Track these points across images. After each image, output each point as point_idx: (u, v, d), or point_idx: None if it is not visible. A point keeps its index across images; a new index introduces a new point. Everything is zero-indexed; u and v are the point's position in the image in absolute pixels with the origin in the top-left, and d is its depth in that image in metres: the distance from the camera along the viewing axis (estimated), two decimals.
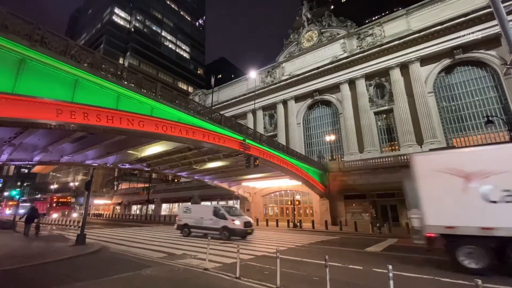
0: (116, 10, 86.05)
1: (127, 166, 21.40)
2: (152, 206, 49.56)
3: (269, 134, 41.89)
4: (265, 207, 35.42)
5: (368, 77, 34.60)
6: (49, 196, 51.74)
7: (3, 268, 8.00)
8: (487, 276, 7.33)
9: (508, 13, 21.05)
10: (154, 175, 56.06)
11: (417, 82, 30.17)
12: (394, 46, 32.19)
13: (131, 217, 50.16)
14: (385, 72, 33.26)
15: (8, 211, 51.79)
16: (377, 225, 21.32)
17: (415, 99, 29.87)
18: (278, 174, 24.81)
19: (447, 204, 8.56)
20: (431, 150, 12.90)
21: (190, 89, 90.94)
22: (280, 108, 42.43)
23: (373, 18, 64.49)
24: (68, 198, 47.72)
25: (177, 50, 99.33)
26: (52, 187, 68.69)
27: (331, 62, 37.04)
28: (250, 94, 44.81)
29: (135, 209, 55.65)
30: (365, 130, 32.59)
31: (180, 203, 45.50)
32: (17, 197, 35.03)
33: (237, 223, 15.86)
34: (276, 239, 17.04)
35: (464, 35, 27.83)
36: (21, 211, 39.98)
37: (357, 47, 36.22)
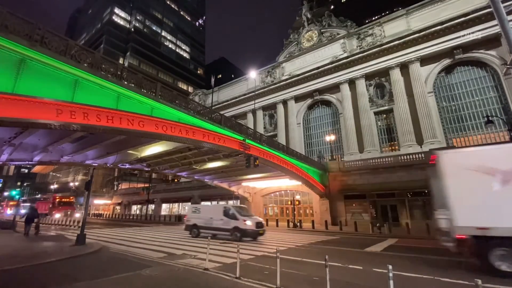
0: (116, 10, 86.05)
1: (127, 166, 21.41)
2: (152, 206, 49.57)
3: (269, 134, 41.90)
4: (265, 207, 35.42)
5: (368, 77, 34.60)
6: (50, 196, 51.70)
7: (3, 268, 7.99)
8: None
9: (508, 13, 21.03)
10: (154, 175, 56.08)
11: (417, 82, 30.17)
12: (394, 46, 32.20)
13: (131, 217, 50.15)
14: (385, 72, 33.26)
15: (9, 211, 51.74)
16: (377, 225, 21.32)
17: (415, 99, 29.87)
18: (278, 174, 24.81)
19: (479, 204, 8.03)
20: (457, 147, 12.52)
21: (190, 89, 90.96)
22: (280, 108, 42.44)
23: (373, 18, 64.48)
24: (71, 198, 47.57)
25: (177, 50, 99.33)
26: (52, 187, 68.70)
27: (331, 62, 37.04)
28: (250, 94, 44.82)
29: (135, 209, 55.66)
30: (365, 130, 32.59)
31: (180, 203, 45.58)
32: (17, 197, 35.08)
33: (249, 223, 15.40)
34: (276, 239, 17.04)
35: (464, 35, 27.83)
36: (23, 211, 40.02)
37: (357, 47, 36.22)
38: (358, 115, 33.74)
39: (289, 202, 31.13)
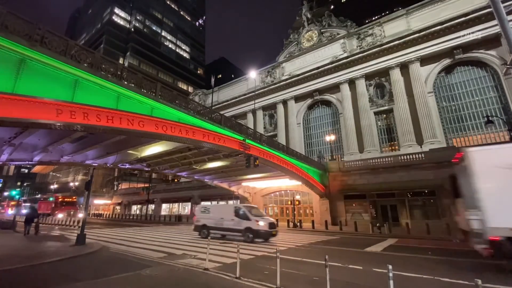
0: (116, 10, 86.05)
1: (127, 166, 21.42)
2: (152, 206, 49.57)
3: (269, 134, 41.91)
4: (265, 207, 35.42)
5: (368, 77, 34.60)
6: (50, 196, 51.68)
7: (3, 268, 7.99)
8: None
9: (508, 13, 21.04)
10: (154, 175, 56.08)
11: (417, 82, 30.17)
12: (394, 46, 32.20)
13: (131, 217, 50.14)
14: (385, 72, 33.26)
15: (10, 211, 51.67)
16: (377, 225, 21.32)
17: (415, 99, 29.87)
18: (278, 174, 24.81)
19: None
20: (486, 144, 12.14)
21: (190, 89, 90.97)
22: (280, 108, 42.43)
23: (373, 18, 64.46)
24: (74, 198, 47.54)
25: (177, 50, 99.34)
26: (52, 187, 68.72)
27: (331, 62, 37.04)
28: (250, 94, 44.82)
29: (135, 209, 55.65)
30: (365, 130, 32.59)
31: (180, 203, 45.58)
32: (17, 197, 35.05)
33: (262, 224, 14.93)
34: (276, 239, 17.02)
35: (464, 35, 27.82)
36: (24, 211, 39.92)
37: (357, 47, 36.22)
38: (358, 115, 33.74)
39: (289, 202, 31.12)
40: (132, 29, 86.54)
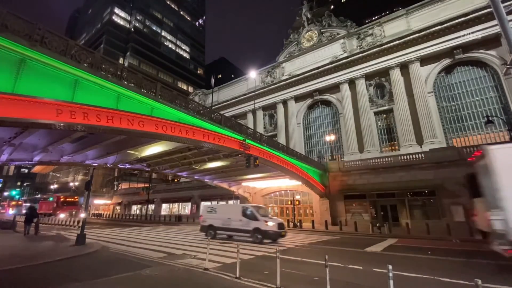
0: (116, 10, 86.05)
1: (127, 166, 21.42)
2: (152, 206, 49.57)
3: (269, 134, 41.90)
4: (265, 207, 35.39)
5: (368, 77, 34.60)
6: (50, 195, 51.63)
7: (3, 268, 7.99)
8: None
9: (508, 13, 21.05)
10: (154, 175, 56.07)
11: (417, 82, 30.17)
12: (394, 46, 32.19)
13: (131, 217, 50.16)
14: (385, 72, 33.26)
15: (11, 211, 51.67)
16: (377, 225, 21.32)
17: (415, 99, 29.87)
18: (278, 174, 24.81)
19: None
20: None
21: (190, 89, 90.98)
22: (280, 108, 42.43)
23: (373, 18, 64.45)
24: (76, 197, 47.36)
25: (177, 50, 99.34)
26: (52, 187, 68.70)
27: (331, 62, 37.04)
28: (250, 94, 44.82)
29: (135, 209, 55.66)
30: (365, 130, 32.59)
31: (180, 203, 45.59)
32: (17, 197, 35.09)
33: (271, 224, 14.61)
34: None
35: (464, 35, 27.82)
36: (25, 211, 39.79)
37: (357, 47, 36.22)
38: (358, 115, 33.74)
39: (289, 202, 31.12)
40: (132, 29, 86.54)
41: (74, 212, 41.59)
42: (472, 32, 27.27)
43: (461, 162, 22.11)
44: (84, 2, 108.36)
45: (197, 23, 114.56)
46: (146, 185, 51.61)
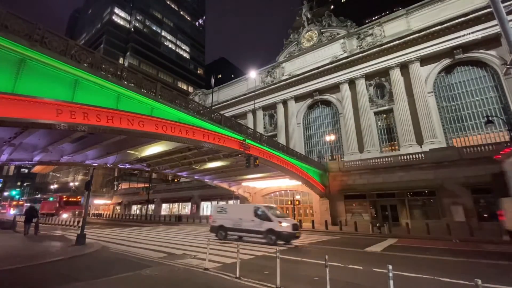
0: (116, 10, 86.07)
1: (127, 166, 21.42)
2: (152, 206, 49.57)
3: (269, 134, 41.91)
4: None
5: (368, 77, 34.60)
6: (52, 195, 51.52)
7: (3, 268, 7.99)
8: None
9: (508, 13, 21.08)
10: (154, 175, 56.07)
11: (417, 82, 30.17)
12: (394, 46, 32.20)
13: (131, 217, 50.16)
14: (385, 72, 33.26)
15: (12, 211, 51.59)
16: (377, 225, 21.31)
17: (415, 99, 29.88)
18: (278, 174, 24.80)
19: None
20: None
21: (190, 89, 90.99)
22: (280, 108, 42.43)
23: (373, 18, 64.47)
24: (78, 197, 46.90)
25: (177, 50, 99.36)
26: (52, 187, 68.69)
27: (331, 62, 37.04)
28: (250, 94, 44.82)
29: (135, 209, 55.66)
30: (365, 130, 32.60)
31: (180, 203, 45.57)
32: (17, 197, 35.04)
33: (285, 225, 14.10)
34: None
35: (464, 35, 27.83)
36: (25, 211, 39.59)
37: (357, 47, 36.22)
38: (358, 115, 33.74)
39: (289, 202, 31.11)
40: (132, 29, 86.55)
41: (77, 212, 41.10)
42: (472, 32, 27.27)
43: (461, 162, 22.15)
44: (84, 2, 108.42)
45: (197, 23, 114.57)
46: (146, 185, 51.59)
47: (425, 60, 30.60)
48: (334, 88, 37.14)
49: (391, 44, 32.32)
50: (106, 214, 58.54)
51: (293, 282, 6.98)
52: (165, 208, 48.51)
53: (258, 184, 33.20)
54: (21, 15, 8.46)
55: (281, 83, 42.22)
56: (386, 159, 26.82)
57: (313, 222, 25.10)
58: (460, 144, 26.96)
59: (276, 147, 22.38)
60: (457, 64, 29.40)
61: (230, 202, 36.28)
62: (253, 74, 38.74)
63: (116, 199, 60.83)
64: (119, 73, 11.21)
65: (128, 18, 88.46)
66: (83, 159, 18.18)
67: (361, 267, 8.72)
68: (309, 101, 40.10)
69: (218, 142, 15.69)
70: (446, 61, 29.61)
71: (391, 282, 4.61)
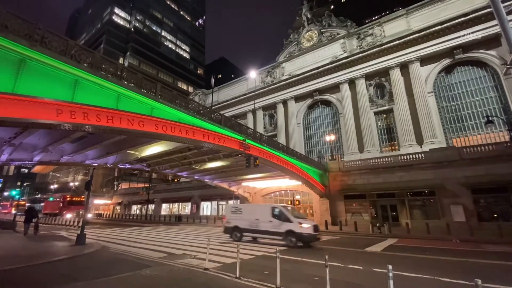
0: (116, 10, 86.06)
1: (127, 166, 21.41)
2: (152, 206, 49.56)
3: (269, 134, 41.90)
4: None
5: (368, 77, 34.60)
6: (52, 195, 51.40)
7: (3, 268, 7.99)
8: None
9: (508, 13, 21.09)
10: (154, 175, 56.04)
11: (417, 82, 30.17)
12: (394, 46, 32.19)
13: (131, 217, 50.15)
14: (385, 72, 33.26)
15: (14, 211, 51.47)
16: (377, 225, 21.31)
17: (415, 99, 29.87)
18: (278, 174, 24.80)
19: None
20: None
21: (190, 89, 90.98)
22: (280, 108, 42.43)
23: (373, 18, 64.49)
24: (82, 197, 46.36)
25: (177, 50, 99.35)
26: (52, 187, 68.66)
27: (331, 62, 37.03)
28: (250, 94, 44.81)
29: (135, 209, 55.66)
30: (365, 130, 32.59)
31: (180, 203, 45.58)
32: (17, 197, 34.99)
33: (306, 226, 13.49)
34: None
35: (464, 35, 27.82)
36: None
37: (357, 47, 36.22)
38: (358, 115, 33.74)
39: (289, 202, 31.09)
40: (132, 29, 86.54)
41: (81, 212, 40.56)
42: (472, 32, 27.27)
43: (461, 162, 22.15)
44: (84, 2, 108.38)
45: (197, 23, 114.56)
46: (146, 185, 51.56)
47: (425, 60, 30.60)
48: (334, 88, 37.13)
49: (391, 44, 32.32)
50: (106, 214, 58.51)
51: (293, 282, 6.98)
52: (165, 208, 48.52)
53: (258, 184, 33.20)
54: (21, 15, 8.46)
55: (281, 83, 42.22)
56: (386, 159, 26.81)
57: None
58: (460, 144, 26.95)
59: (276, 147, 22.37)
60: (457, 64, 29.40)
61: (230, 202, 36.24)
62: (253, 74, 38.72)
63: (116, 199, 60.82)
64: (119, 73, 11.20)
65: (128, 18, 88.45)
66: (83, 159, 18.18)
67: (361, 267, 8.72)
68: (309, 101, 40.10)
69: (218, 142, 15.69)
70: (446, 61, 29.61)
71: (391, 282, 4.61)
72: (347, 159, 31.99)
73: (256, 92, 43.05)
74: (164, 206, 48.72)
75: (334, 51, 38.24)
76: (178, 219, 38.20)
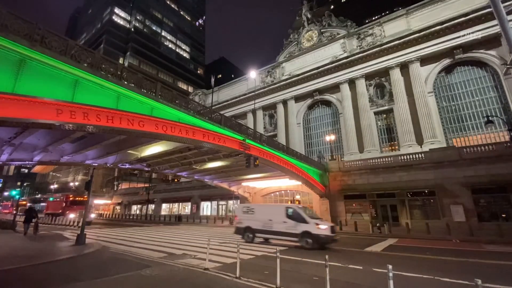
0: (116, 10, 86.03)
1: (127, 166, 21.41)
2: (152, 206, 49.56)
3: (269, 134, 41.89)
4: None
5: (368, 77, 34.59)
6: (52, 195, 51.30)
7: (3, 268, 7.99)
8: None
9: (508, 13, 21.04)
10: (154, 175, 56.05)
11: (417, 82, 30.16)
12: (394, 46, 32.19)
13: (131, 217, 50.14)
14: (385, 72, 33.26)
15: (15, 211, 51.22)
16: (377, 225, 21.32)
17: (415, 99, 29.87)
18: (278, 174, 24.80)
19: None
20: None
21: (190, 89, 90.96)
22: (280, 108, 42.43)
23: (373, 18, 64.52)
24: (85, 197, 46.01)
25: (177, 50, 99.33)
26: (52, 187, 68.64)
27: (331, 62, 37.03)
28: (250, 94, 44.81)
29: (135, 209, 55.66)
30: (365, 130, 32.59)
31: (180, 203, 45.59)
32: (17, 197, 34.93)
33: (323, 227, 13.06)
34: None
35: (464, 35, 27.82)
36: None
37: (357, 47, 36.21)
38: (358, 115, 33.73)
39: (289, 202, 31.10)
40: (132, 29, 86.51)
41: (84, 212, 40.06)
42: (472, 32, 27.27)
43: (461, 162, 22.14)
44: (84, 2, 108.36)
45: (197, 23, 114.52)
46: (146, 185, 51.54)
47: (425, 60, 30.60)
48: (334, 88, 37.13)
49: (391, 44, 32.31)
50: (106, 214, 58.53)
51: (293, 282, 6.99)
52: (165, 208, 48.53)
53: (258, 184, 33.20)
54: (21, 15, 8.45)
55: (281, 83, 42.22)
56: (386, 159, 26.80)
57: None
58: (460, 144, 26.93)
59: (276, 147, 22.37)
60: (457, 64, 29.40)
61: (230, 202, 36.30)
62: (253, 74, 38.69)
63: (116, 199, 60.84)
64: (119, 73, 11.20)
65: (128, 18, 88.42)
66: (83, 159, 18.18)
67: (361, 267, 8.72)
68: (309, 101, 40.10)
69: (218, 142, 15.68)
70: (446, 61, 29.61)
71: (391, 282, 4.61)
72: (347, 159, 31.98)
73: (256, 92, 43.04)
74: (164, 206, 48.72)
75: (334, 51, 38.23)
76: (178, 219, 38.21)
